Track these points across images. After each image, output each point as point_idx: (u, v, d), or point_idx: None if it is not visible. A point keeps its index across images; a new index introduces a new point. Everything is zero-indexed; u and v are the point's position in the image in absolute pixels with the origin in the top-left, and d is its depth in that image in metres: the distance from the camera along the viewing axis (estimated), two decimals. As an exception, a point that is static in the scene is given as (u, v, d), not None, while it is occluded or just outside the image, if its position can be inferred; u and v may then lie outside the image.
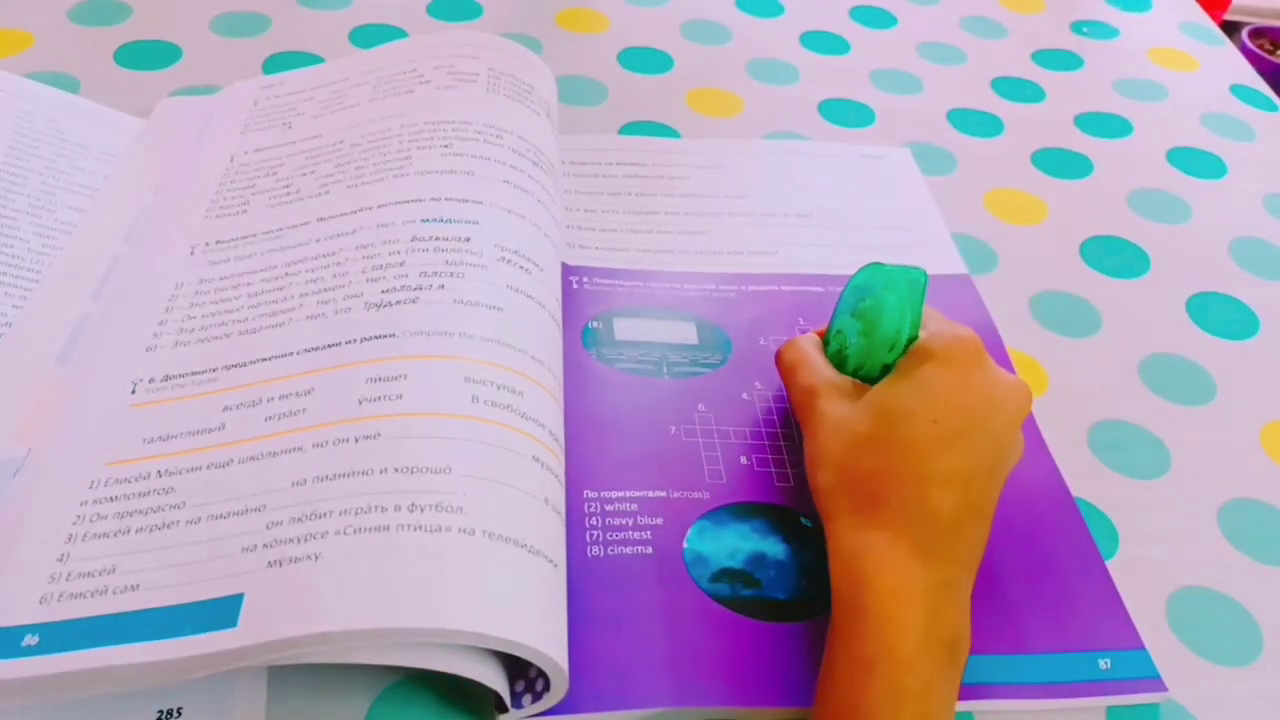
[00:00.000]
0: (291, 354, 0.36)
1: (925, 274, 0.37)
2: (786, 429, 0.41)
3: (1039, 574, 0.37)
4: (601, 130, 0.56)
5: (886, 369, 0.36)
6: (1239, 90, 0.67)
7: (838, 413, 0.35)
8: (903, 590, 0.30)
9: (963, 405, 0.33)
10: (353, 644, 0.28)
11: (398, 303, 0.37)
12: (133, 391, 0.36)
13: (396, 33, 0.62)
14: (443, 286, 0.38)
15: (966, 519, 0.32)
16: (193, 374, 0.36)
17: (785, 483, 0.39)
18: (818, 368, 0.38)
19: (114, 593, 0.30)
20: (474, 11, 0.65)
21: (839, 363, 0.38)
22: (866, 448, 0.33)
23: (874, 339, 0.37)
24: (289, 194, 0.45)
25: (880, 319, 0.37)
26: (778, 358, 0.40)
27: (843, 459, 0.34)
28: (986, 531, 0.33)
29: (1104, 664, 0.35)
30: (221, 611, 0.29)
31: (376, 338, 0.36)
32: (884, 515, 0.32)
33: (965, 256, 0.51)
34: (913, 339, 0.36)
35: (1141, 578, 0.38)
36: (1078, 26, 0.72)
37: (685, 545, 0.36)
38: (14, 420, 0.36)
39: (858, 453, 0.33)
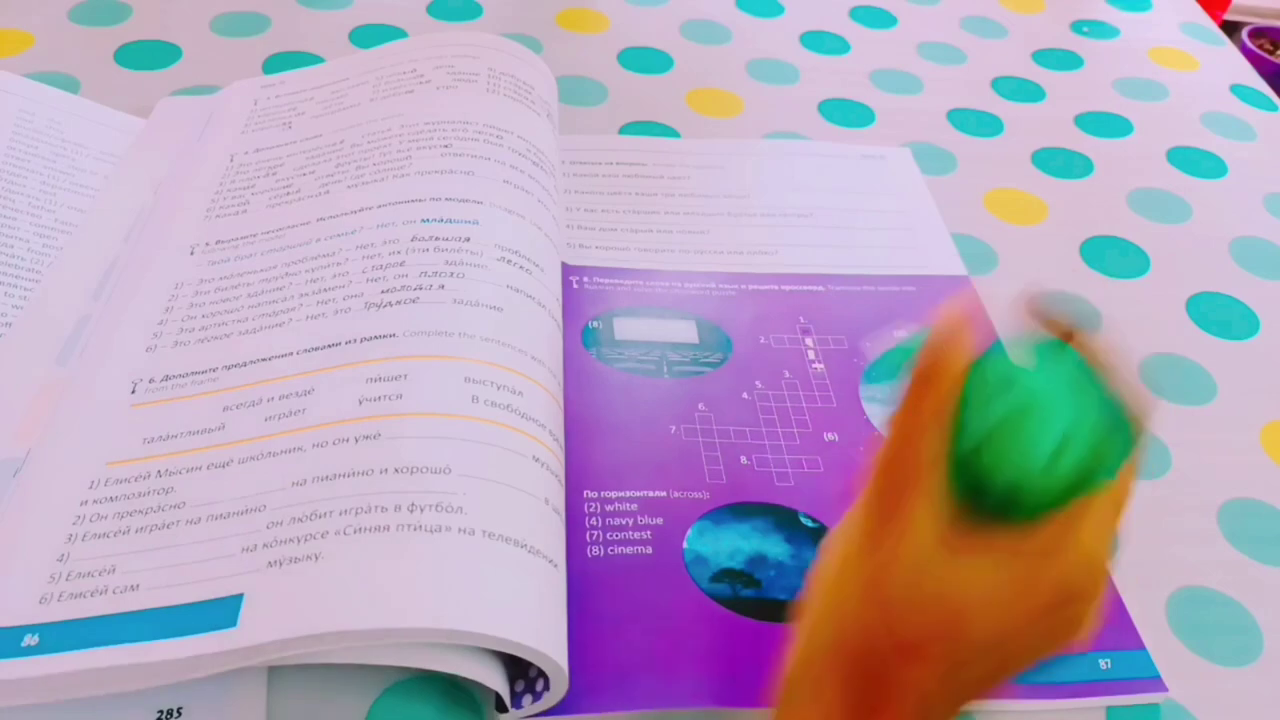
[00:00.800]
0: (291, 354, 0.36)
1: (1132, 430, 0.25)
2: (787, 428, 0.41)
3: (1039, 574, 0.37)
4: (601, 130, 0.56)
5: (1010, 500, 0.25)
6: (1239, 90, 0.67)
7: (939, 573, 0.25)
8: None
9: (1039, 648, 0.26)
10: (353, 644, 0.28)
11: (398, 303, 0.37)
12: (133, 391, 0.36)
13: (396, 33, 0.62)
14: (443, 286, 0.38)
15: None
16: (193, 374, 0.36)
17: (785, 483, 0.39)
18: (934, 476, 0.25)
19: (114, 593, 0.29)
20: (474, 11, 0.65)
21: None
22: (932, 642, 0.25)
23: (1015, 443, 0.25)
24: (289, 194, 0.45)
25: (1030, 422, 0.25)
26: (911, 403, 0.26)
27: (886, 626, 0.25)
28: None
29: (1104, 664, 0.35)
30: (222, 611, 0.29)
31: (376, 338, 0.36)
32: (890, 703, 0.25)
33: (965, 256, 0.51)
34: (1086, 481, 0.24)
35: (1141, 578, 0.38)
36: (1078, 26, 0.72)
37: (685, 545, 0.36)
38: (14, 420, 0.36)
39: (908, 632, 0.25)
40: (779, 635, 0.34)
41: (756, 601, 0.35)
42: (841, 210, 0.52)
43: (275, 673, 0.32)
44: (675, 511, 0.37)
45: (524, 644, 0.29)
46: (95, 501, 0.32)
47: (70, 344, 0.39)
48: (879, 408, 0.42)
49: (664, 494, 0.38)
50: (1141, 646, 0.35)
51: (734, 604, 0.35)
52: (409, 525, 0.30)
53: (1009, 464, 0.25)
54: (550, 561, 0.32)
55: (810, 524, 0.38)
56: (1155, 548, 0.39)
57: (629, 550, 0.36)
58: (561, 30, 0.64)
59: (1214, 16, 0.76)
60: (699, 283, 0.47)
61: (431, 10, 0.64)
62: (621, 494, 0.37)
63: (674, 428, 0.40)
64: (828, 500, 0.38)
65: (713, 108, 0.59)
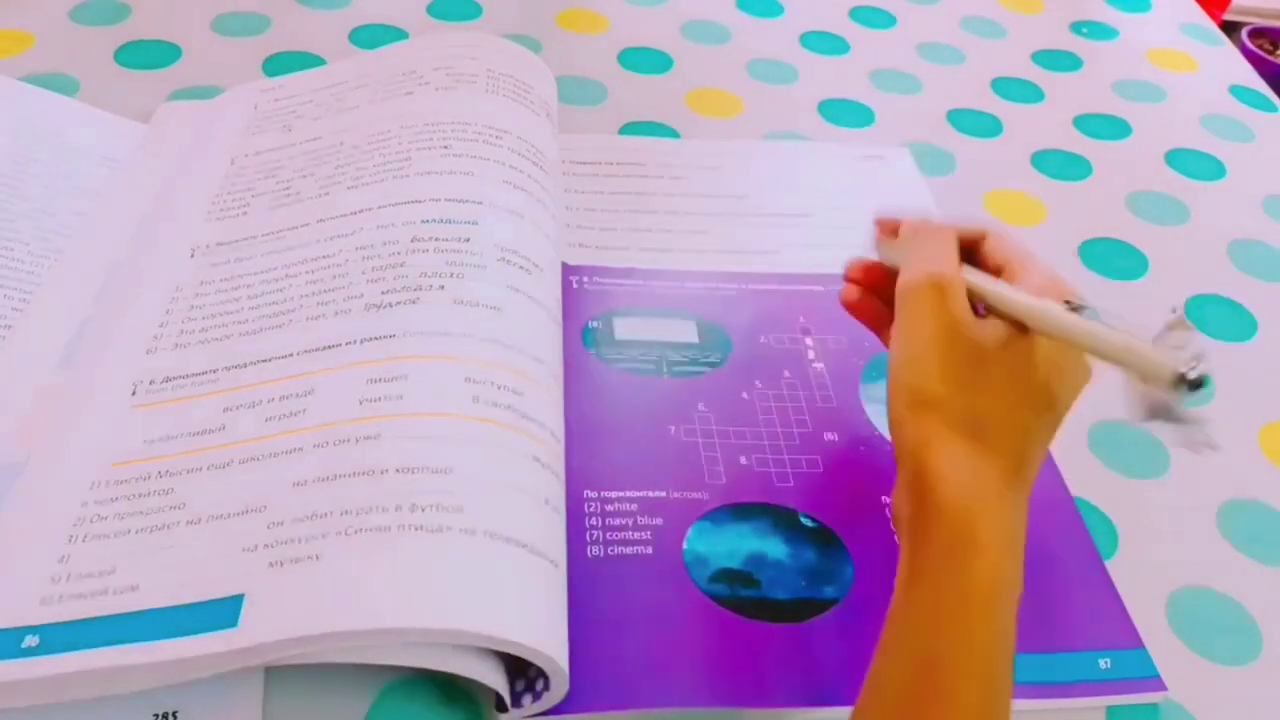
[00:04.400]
0: (292, 355, 0.36)
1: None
2: (787, 428, 0.41)
3: (1039, 574, 0.37)
4: (601, 130, 0.56)
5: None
6: (1238, 91, 0.67)
7: (977, 335, 0.32)
8: (1010, 525, 0.30)
9: (1078, 389, 0.33)
10: (353, 644, 0.28)
11: (398, 303, 0.37)
12: (133, 393, 0.36)
13: (396, 33, 0.62)
14: (443, 287, 0.38)
15: (1040, 459, 0.32)
16: (193, 375, 0.36)
17: (785, 483, 0.39)
18: (956, 264, 0.34)
19: (114, 593, 0.30)
20: (474, 11, 0.65)
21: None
22: (999, 395, 0.31)
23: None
24: (289, 196, 0.45)
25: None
26: (908, 224, 0.37)
27: (971, 392, 0.31)
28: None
29: (1104, 664, 0.35)
30: (222, 612, 0.29)
31: (377, 338, 0.36)
32: (996, 445, 0.31)
33: (965, 257, 0.51)
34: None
35: (1141, 578, 0.38)
36: (1077, 27, 0.72)
37: (685, 545, 0.36)
38: (16, 423, 0.36)
39: (989, 394, 0.31)
40: (779, 635, 0.34)
41: (756, 601, 0.35)
42: (842, 210, 0.52)
43: (273, 673, 0.32)
44: (675, 511, 0.37)
45: (524, 643, 0.29)
46: (96, 502, 0.32)
47: (72, 347, 0.39)
48: (879, 408, 0.42)
49: (664, 494, 0.38)
50: (1141, 646, 0.35)
51: (733, 604, 0.35)
52: (410, 525, 0.30)
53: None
54: (551, 561, 0.32)
55: (810, 524, 0.38)
56: (1155, 548, 0.39)
57: (629, 550, 0.36)
58: (561, 30, 0.64)
59: (1214, 16, 0.76)
60: (699, 283, 0.47)
61: (431, 10, 0.64)
62: (621, 494, 0.38)
63: (674, 428, 0.40)
64: (828, 500, 0.38)
65: (713, 108, 0.59)
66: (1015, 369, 0.32)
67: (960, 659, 0.28)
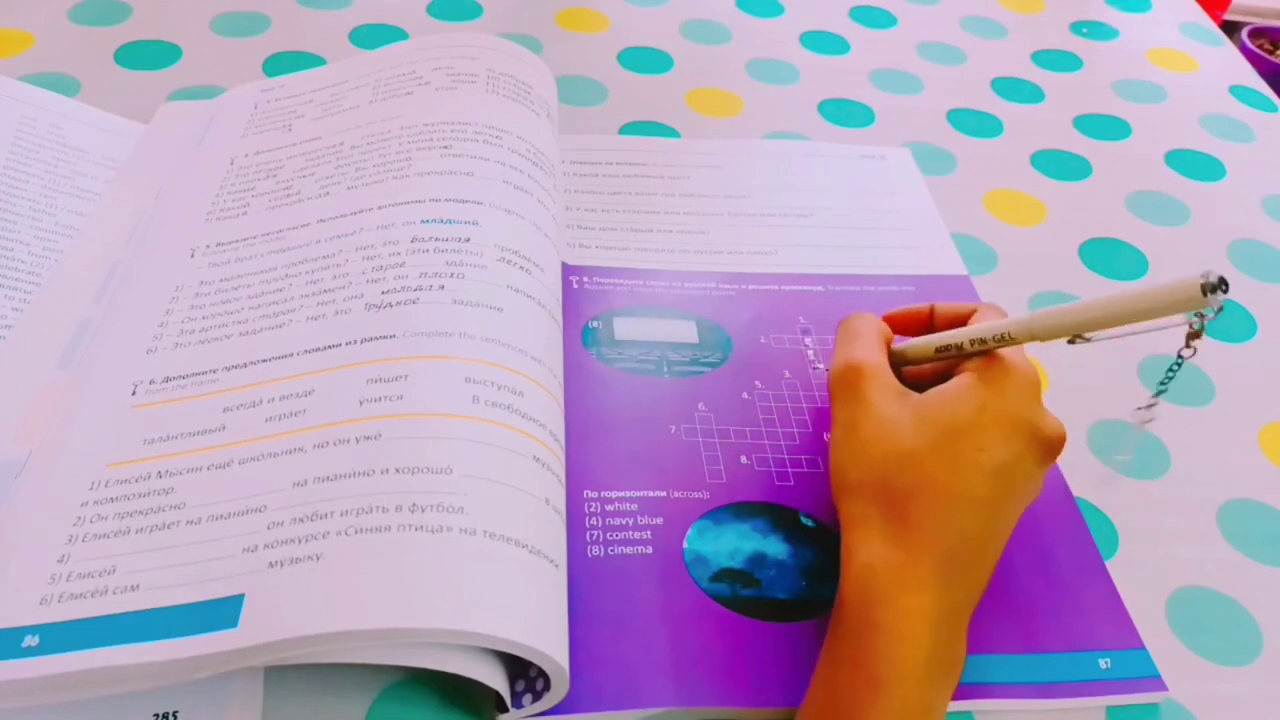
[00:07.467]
0: (292, 355, 0.36)
1: None
2: (787, 428, 0.41)
3: (1039, 574, 0.37)
4: (601, 130, 0.56)
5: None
6: (1238, 91, 0.67)
7: (886, 411, 0.33)
8: (918, 610, 0.30)
9: (1010, 439, 0.33)
10: (353, 644, 0.28)
11: (398, 303, 0.37)
12: (133, 393, 0.36)
13: (396, 33, 0.62)
14: (443, 287, 0.38)
15: (987, 547, 0.32)
16: (193, 375, 0.36)
17: (785, 482, 0.39)
18: (876, 349, 0.36)
19: (114, 593, 0.30)
20: (474, 11, 0.65)
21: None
22: (909, 461, 0.32)
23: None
24: (289, 196, 0.45)
25: None
26: (842, 323, 0.38)
27: (882, 466, 0.32)
28: (997, 562, 0.33)
29: (1104, 664, 0.35)
30: (222, 612, 0.29)
31: (377, 338, 0.36)
32: (911, 532, 0.31)
33: (965, 257, 0.51)
34: None
35: (1141, 578, 0.38)
36: (1077, 27, 0.72)
37: (685, 545, 0.36)
38: (15, 422, 0.36)
39: (899, 464, 0.32)
40: (779, 635, 0.34)
41: (756, 601, 0.35)
42: (841, 210, 0.52)
43: (273, 674, 0.32)
44: (675, 511, 0.37)
45: (525, 644, 0.29)
46: (96, 502, 0.32)
47: (72, 347, 0.39)
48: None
49: (664, 494, 0.38)
50: (1141, 646, 0.35)
51: (734, 604, 0.35)
52: (410, 525, 0.30)
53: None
54: (551, 561, 0.32)
55: (810, 524, 0.38)
56: (1155, 548, 0.39)
57: (629, 550, 0.36)
58: (561, 30, 0.64)
59: (1214, 16, 0.76)
60: (699, 283, 0.47)
61: (431, 10, 0.64)
62: (621, 494, 0.38)
63: (674, 428, 0.40)
64: (828, 500, 0.38)
65: (713, 108, 0.60)
66: (936, 446, 0.32)
67: None
